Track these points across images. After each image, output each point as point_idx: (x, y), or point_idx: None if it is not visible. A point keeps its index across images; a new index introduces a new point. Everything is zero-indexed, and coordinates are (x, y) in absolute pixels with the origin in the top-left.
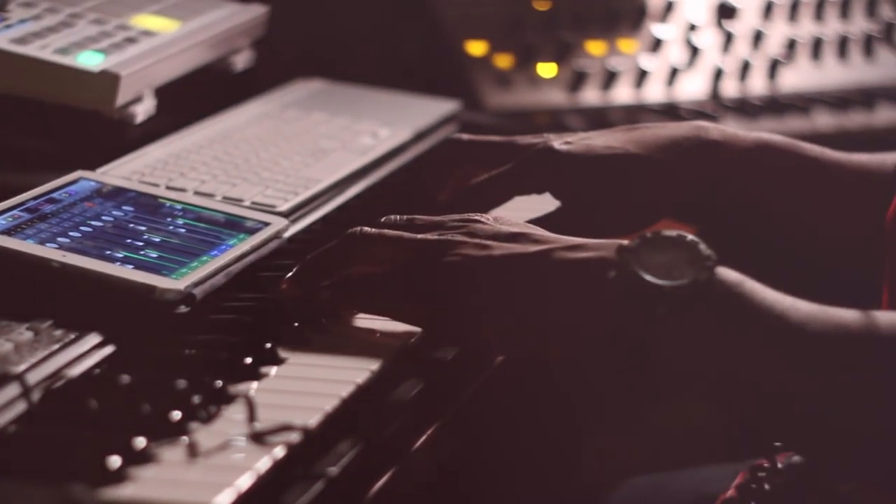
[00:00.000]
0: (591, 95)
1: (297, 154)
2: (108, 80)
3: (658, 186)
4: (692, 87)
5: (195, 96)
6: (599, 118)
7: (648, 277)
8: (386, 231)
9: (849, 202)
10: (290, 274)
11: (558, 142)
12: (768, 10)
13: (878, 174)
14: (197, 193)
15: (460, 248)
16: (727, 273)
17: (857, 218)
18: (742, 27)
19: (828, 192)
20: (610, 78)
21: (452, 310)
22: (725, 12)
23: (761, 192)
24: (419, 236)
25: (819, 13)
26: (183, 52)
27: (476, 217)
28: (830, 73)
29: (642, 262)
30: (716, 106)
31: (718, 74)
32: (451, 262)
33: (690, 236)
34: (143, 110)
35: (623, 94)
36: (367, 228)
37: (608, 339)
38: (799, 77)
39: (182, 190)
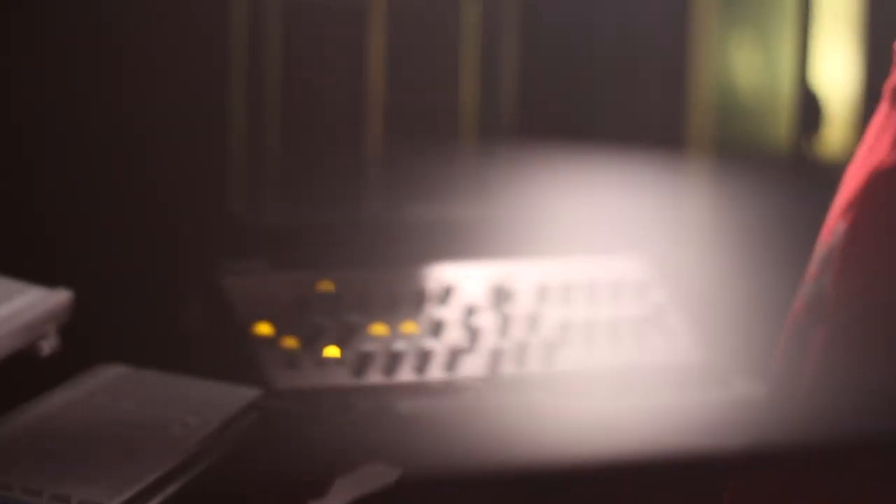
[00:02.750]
0: (375, 376)
1: (113, 446)
2: None
3: None
4: (472, 367)
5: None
6: (384, 397)
7: None
8: None
9: None
10: None
11: None
12: (543, 295)
13: None
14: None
15: None
16: None
17: None
18: (518, 309)
19: None
20: (393, 359)
21: None
22: (502, 295)
23: None
24: None
25: (592, 297)
26: None
27: None
28: (603, 355)
29: None
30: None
31: (497, 357)
32: None
33: None
34: None
35: (406, 373)
36: None
37: None
38: (573, 358)
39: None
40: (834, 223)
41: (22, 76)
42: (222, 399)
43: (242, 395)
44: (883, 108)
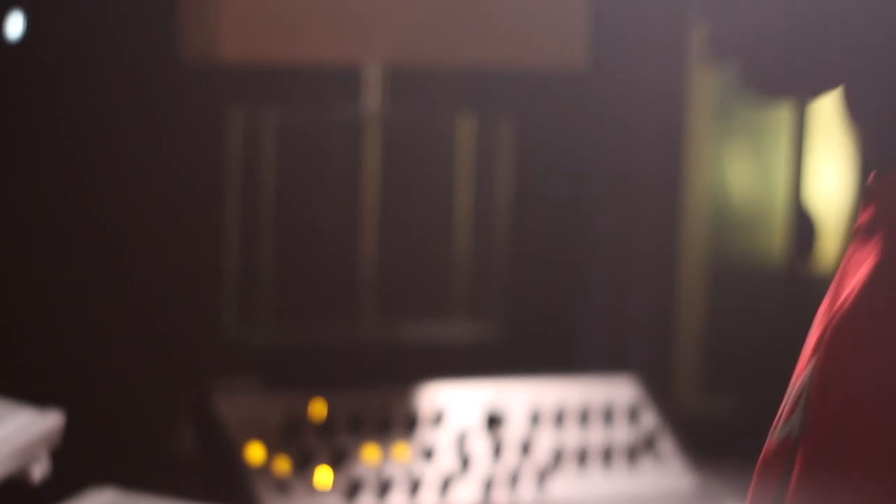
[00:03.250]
0: (366, 502)
1: None
2: None
3: None
4: (464, 494)
5: None
6: None
7: None
8: None
9: None
10: None
11: None
12: (536, 419)
13: None
14: None
15: None
16: None
17: None
18: (511, 435)
19: None
20: (385, 485)
21: None
22: (493, 421)
23: None
24: None
25: (584, 422)
26: None
27: None
28: (596, 481)
29: None
30: None
31: (489, 483)
32: None
33: None
34: None
35: (398, 499)
36: None
37: None
38: (566, 484)
39: None
40: (804, 365)
41: (20, 200)
42: None
43: None
44: (849, 248)
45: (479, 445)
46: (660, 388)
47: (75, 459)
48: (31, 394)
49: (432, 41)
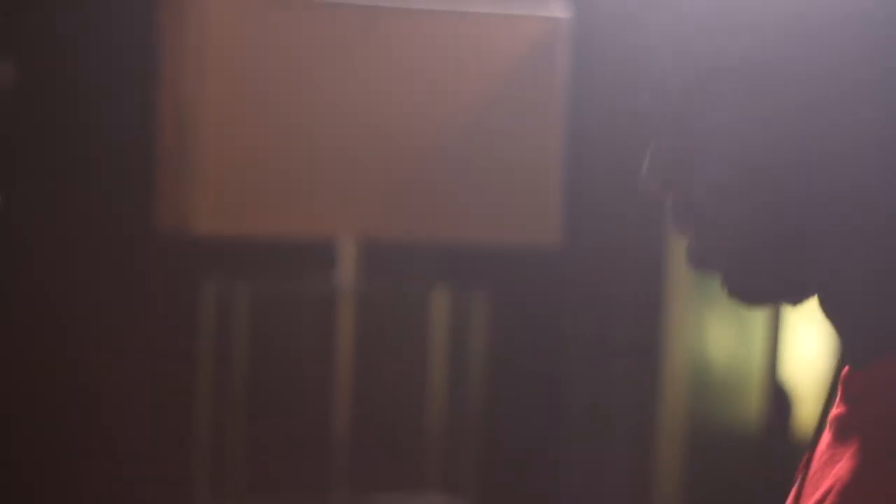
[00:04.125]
0: None
1: None
2: None
3: None
4: None
5: None
6: None
7: None
8: None
9: None
10: None
11: None
12: None
13: None
14: None
15: None
16: None
17: None
18: None
19: None
20: None
21: None
22: None
23: None
24: None
25: None
26: None
27: None
28: None
29: None
30: None
31: None
32: None
33: None
34: None
35: None
36: None
37: None
38: None
39: None
40: None
41: None
42: None
43: None
44: (825, 437)
45: None
46: None
47: None
48: None
49: (406, 216)
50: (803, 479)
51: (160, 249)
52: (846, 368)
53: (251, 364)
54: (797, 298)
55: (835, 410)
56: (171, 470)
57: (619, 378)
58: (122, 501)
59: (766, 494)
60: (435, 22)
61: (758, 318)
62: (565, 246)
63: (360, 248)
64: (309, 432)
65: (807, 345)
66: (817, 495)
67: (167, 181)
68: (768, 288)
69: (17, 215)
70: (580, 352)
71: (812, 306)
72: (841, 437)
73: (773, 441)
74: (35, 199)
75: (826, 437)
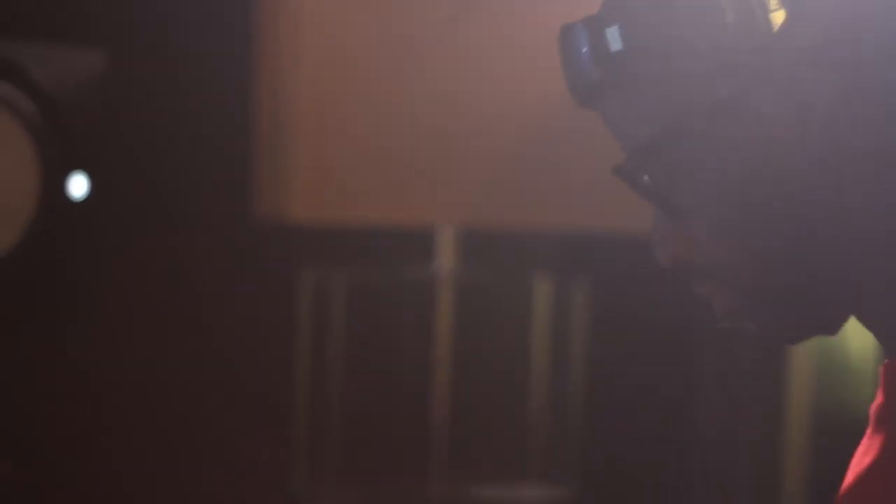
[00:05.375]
0: None
1: None
2: None
3: None
4: None
5: None
6: None
7: None
8: None
9: None
10: None
11: None
12: None
13: None
14: None
15: None
16: None
17: None
18: None
19: None
20: None
21: None
22: None
23: None
24: None
25: None
26: None
27: None
28: None
29: None
30: None
31: None
32: None
33: None
34: None
35: None
36: None
37: None
38: None
39: None
40: None
41: (88, 358)
42: None
43: None
44: (868, 431)
45: None
46: None
47: None
48: None
49: (506, 203)
50: (848, 470)
51: (258, 238)
52: (886, 361)
53: (349, 353)
54: (833, 327)
55: (875, 401)
56: (269, 457)
57: (731, 367)
58: (221, 488)
59: None
60: (540, 4)
61: None
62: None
63: (460, 236)
64: (407, 421)
65: None
66: (848, 483)
67: (264, 169)
68: (802, 325)
69: (110, 205)
70: (691, 345)
71: None
72: (878, 427)
73: None
74: (131, 189)
75: (867, 430)
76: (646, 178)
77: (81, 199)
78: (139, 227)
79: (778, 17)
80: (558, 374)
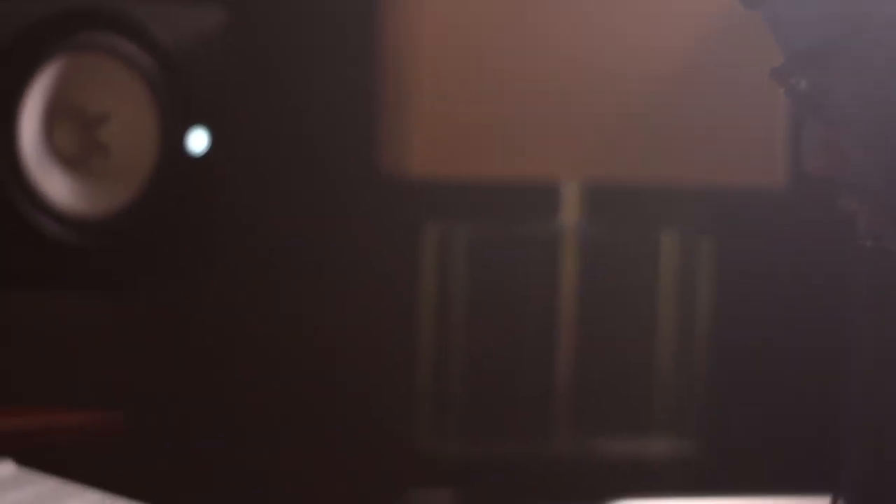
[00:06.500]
0: None
1: None
2: None
3: None
4: None
5: None
6: None
7: None
8: None
9: None
10: None
11: None
12: None
13: None
14: None
15: None
16: None
17: None
18: None
19: None
20: None
21: None
22: None
23: None
24: None
25: None
26: None
27: None
28: None
29: None
30: None
31: None
32: None
33: None
34: None
35: None
36: None
37: None
38: None
39: None
40: None
41: (213, 311)
42: None
43: None
44: None
45: None
46: None
47: None
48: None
49: (630, 158)
50: None
51: (381, 193)
52: None
53: (471, 308)
54: None
55: None
56: (392, 413)
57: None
58: (342, 444)
59: None
60: None
61: None
62: (789, 187)
63: (584, 191)
64: (531, 376)
65: None
66: None
67: (388, 124)
68: None
69: (230, 160)
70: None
71: None
72: None
73: None
74: (251, 144)
75: None
76: (803, 83)
77: (201, 155)
78: (260, 183)
79: None
80: (684, 329)
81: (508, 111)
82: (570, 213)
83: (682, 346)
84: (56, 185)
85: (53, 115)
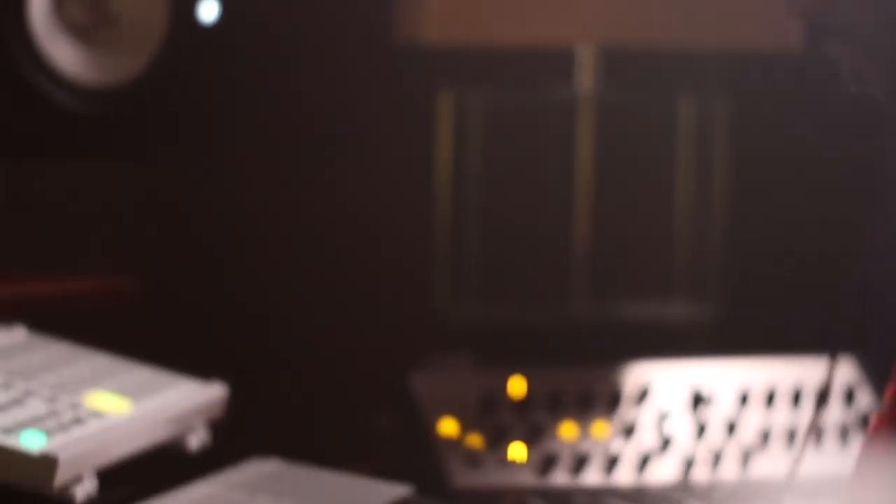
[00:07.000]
0: (559, 477)
1: None
2: (46, 464)
3: None
4: (663, 472)
5: (145, 475)
6: (565, 499)
7: None
8: None
9: None
10: None
11: None
12: (745, 399)
13: None
14: None
15: None
16: None
17: None
18: (716, 415)
19: None
20: (580, 462)
21: None
22: (699, 400)
23: None
24: None
25: (796, 402)
26: (131, 433)
27: None
28: (805, 463)
29: None
30: (684, 492)
31: (690, 462)
32: None
33: None
34: (84, 491)
35: (592, 476)
36: None
37: None
38: (772, 466)
39: None
40: None
41: (223, 183)
42: (367, 496)
43: (389, 492)
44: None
45: (682, 425)
46: (881, 370)
47: (240, 430)
48: (216, 366)
49: (647, 21)
50: None
51: (396, 60)
52: None
53: (488, 174)
54: None
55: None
56: (412, 280)
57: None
58: (362, 312)
59: None
60: None
61: None
62: (806, 51)
63: (600, 54)
64: (549, 241)
65: None
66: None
67: None
68: None
69: (241, 29)
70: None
71: None
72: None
73: None
74: (264, 13)
75: None
76: None
77: (211, 24)
78: (272, 53)
79: None
80: (702, 193)
81: None
82: (585, 77)
83: (699, 209)
84: (65, 55)
85: None
